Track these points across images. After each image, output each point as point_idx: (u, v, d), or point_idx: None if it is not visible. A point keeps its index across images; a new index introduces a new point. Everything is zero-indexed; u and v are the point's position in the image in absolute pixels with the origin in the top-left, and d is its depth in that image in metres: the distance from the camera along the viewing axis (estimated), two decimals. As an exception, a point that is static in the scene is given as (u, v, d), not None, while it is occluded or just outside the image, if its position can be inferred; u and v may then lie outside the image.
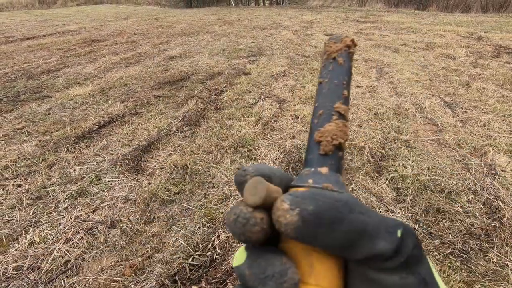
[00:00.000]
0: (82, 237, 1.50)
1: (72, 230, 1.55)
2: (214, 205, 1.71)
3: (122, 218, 1.62)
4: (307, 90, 3.33)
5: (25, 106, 2.98)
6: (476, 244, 1.46)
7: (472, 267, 1.35)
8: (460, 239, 1.49)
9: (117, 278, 1.31)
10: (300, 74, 3.93)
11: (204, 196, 1.78)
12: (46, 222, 1.60)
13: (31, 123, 2.62)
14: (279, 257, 0.18)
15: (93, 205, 1.72)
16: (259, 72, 4.00)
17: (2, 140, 2.34)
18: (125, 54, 5.02)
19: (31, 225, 1.58)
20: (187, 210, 1.69)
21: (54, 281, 1.30)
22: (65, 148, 2.22)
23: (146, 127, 2.57)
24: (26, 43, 5.84)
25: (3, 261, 1.38)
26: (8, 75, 3.89)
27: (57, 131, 2.48)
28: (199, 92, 3.33)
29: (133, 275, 1.32)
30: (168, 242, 1.48)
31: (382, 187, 1.84)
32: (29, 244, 1.47)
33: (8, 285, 1.28)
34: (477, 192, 1.79)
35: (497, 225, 1.56)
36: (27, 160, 2.09)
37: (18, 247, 1.45)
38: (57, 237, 1.51)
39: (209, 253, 1.43)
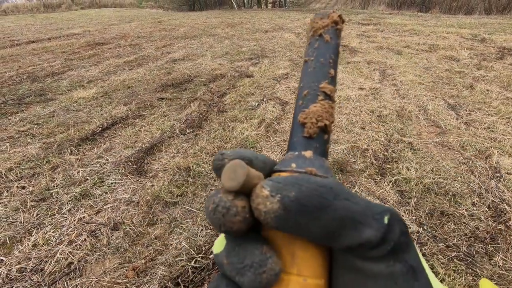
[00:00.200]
0: (85, 239, 1.51)
1: (75, 232, 1.55)
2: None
3: (125, 220, 1.62)
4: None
5: (30, 108, 3.00)
6: (482, 248, 1.45)
7: (478, 271, 1.34)
8: (465, 242, 1.47)
9: (120, 281, 1.31)
10: (302, 76, 3.92)
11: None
12: (49, 224, 1.60)
13: (36, 126, 2.64)
14: (259, 246, 0.17)
15: (96, 207, 1.72)
16: (262, 74, 4.01)
17: (7, 143, 2.36)
18: (129, 57, 5.05)
19: (35, 227, 1.58)
20: (190, 212, 1.69)
21: (57, 283, 1.30)
22: (69, 150, 2.24)
23: (149, 129, 2.58)
24: (31, 46, 5.90)
25: (7, 263, 1.38)
26: (13, 78, 3.93)
27: (61, 133, 2.50)
28: (202, 94, 3.34)
29: (136, 277, 1.32)
30: (171, 245, 1.48)
31: (385, 190, 1.83)
32: (32, 246, 1.47)
33: (12, 287, 1.28)
34: (482, 195, 1.77)
35: (502, 228, 1.54)
36: (31, 162, 2.10)
37: (22, 249, 1.46)
38: (60, 239, 1.51)
39: (212, 255, 1.42)
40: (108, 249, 1.46)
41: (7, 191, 1.83)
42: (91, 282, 1.30)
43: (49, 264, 1.38)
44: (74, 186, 1.87)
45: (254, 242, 0.17)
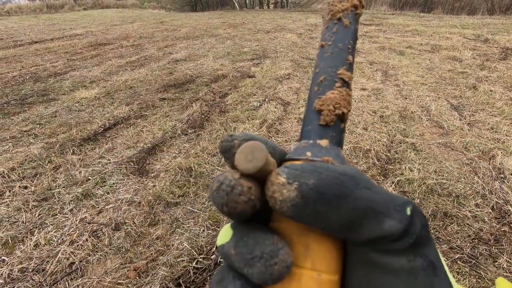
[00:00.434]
0: (86, 239, 1.51)
1: (77, 232, 1.55)
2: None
3: (126, 221, 1.62)
4: (312, 92, 3.31)
5: (32, 108, 3.01)
6: (485, 250, 1.43)
7: (482, 273, 1.32)
8: (468, 244, 1.46)
9: (121, 281, 1.30)
10: (304, 76, 3.92)
11: (209, 199, 1.78)
12: (51, 224, 1.61)
13: (38, 126, 2.64)
14: (270, 236, 0.16)
15: (98, 207, 1.72)
16: (264, 75, 4.01)
17: (10, 142, 2.36)
18: (131, 57, 5.06)
19: (37, 227, 1.58)
20: (191, 212, 1.68)
21: (58, 283, 1.30)
22: (71, 150, 2.24)
23: (151, 129, 2.58)
24: (34, 47, 5.93)
25: (9, 263, 1.39)
26: (16, 78, 3.95)
27: (63, 133, 2.50)
28: (204, 94, 3.34)
29: (137, 278, 1.32)
30: (172, 245, 1.48)
31: (388, 191, 1.82)
32: (34, 246, 1.48)
33: (14, 287, 1.28)
34: (486, 196, 1.75)
35: (506, 230, 1.53)
36: (33, 162, 2.10)
37: (24, 249, 1.46)
38: (62, 239, 1.51)
39: (214, 256, 1.42)
40: (110, 249, 1.46)
41: (10, 191, 1.83)
42: (92, 282, 1.30)
43: (51, 264, 1.38)
44: (76, 186, 1.88)
45: (264, 232, 0.16)
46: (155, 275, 1.33)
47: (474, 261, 1.38)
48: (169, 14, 14.45)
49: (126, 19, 11.20)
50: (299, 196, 0.14)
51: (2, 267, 1.36)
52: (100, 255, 1.43)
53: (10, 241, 1.50)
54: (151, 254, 1.43)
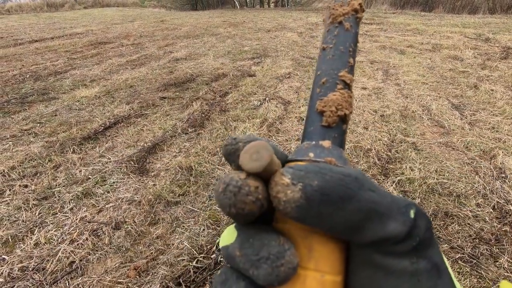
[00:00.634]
0: (87, 238, 1.50)
1: (77, 231, 1.55)
2: (219, 207, 1.70)
3: (126, 220, 1.62)
4: (312, 92, 3.31)
5: (33, 107, 3.01)
6: (486, 249, 1.43)
7: (483, 272, 1.32)
8: (469, 244, 1.46)
9: (122, 280, 1.30)
10: (305, 76, 3.91)
11: (209, 198, 1.77)
12: (51, 223, 1.60)
13: (38, 124, 2.64)
14: (276, 237, 0.15)
15: (98, 206, 1.72)
16: (264, 74, 4.00)
17: (10, 141, 2.36)
18: (131, 56, 5.06)
19: (37, 226, 1.58)
20: (191, 212, 1.68)
21: (59, 282, 1.30)
22: (71, 149, 2.24)
23: (151, 128, 2.58)
24: (34, 46, 5.92)
25: (9, 262, 1.39)
26: (17, 77, 3.95)
27: (63, 132, 2.50)
28: (204, 93, 3.33)
29: (137, 277, 1.32)
30: (173, 244, 1.48)
31: (388, 190, 1.81)
32: (34, 245, 1.48)
33: (14, 286, 1.28)
34: (487, 196, 1.75)
35: (507, 229, 1.52)
36: (33, 161, 2.10)
37: (24, 248, 1.46)
38: (62, 238, 1.51)
39: (214, 255, 1.41)
40: (110, 248, 1.46)
41: (10, 190, 1.83)
42: (92, 282, 1.30)
43: (51, 263, 1.38)
44: (76, 185, 1.87)
45: (269, 233, 0.16)
46: (155, 274, 1.33)
47: (475, 261, 1.37)
48: (169, 13, 14.42)
49: (127, 18, 11.19)
50: (303, 197, 0.14)
51: (2, 266, 1.36)
52: (100, 254, 1.43)
53: (10, 240, 1.50)
54: (151, 253, 1.43)
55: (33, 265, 1.37)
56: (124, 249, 1.45)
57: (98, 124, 2.64)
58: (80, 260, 1.40)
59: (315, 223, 0.15)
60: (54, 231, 1.55)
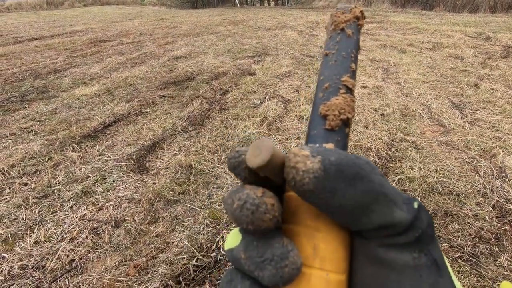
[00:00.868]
0: (86, 237, 1.50)
1: (77, 229, 1.55)
2: (218, 205, 1.70)
3: (126, 218, 1.62)
4: (313, 90, 3.30)
5: (32, 105, 3.00)
6: (486, 248, 1.43)
7: (482, 271, 1.32)
8: (469, 243, 1.46)
9: (121, 278, 1.30)
10: (305, 74, 3.91)
11: (209, 196, 1.77)
12: (51, 221, 1.60)
13: (38, 123, 2.64)
14: (279, 238, 0.16)
15: (98, 205, 1.72)
16: (264, 72, 3.99)
17: (9, 139, 2.36)
18: (131, 54, 5.05)
19: (37, 224, 1.58)
20: (191, 210, 1.68)
21: (58, 280, 1.30)
22: (71, 148, 2.23)
23: (151, 127, 2.58)
24: (34, 44, 5.91)
25: (9, 260, 1.39)
26: (16, 75, 3.94)
27: (63, 130, 2.50)
28: (204, 92, 3.33)
29: (137, 275, 1.32)
30: (172, 243, 1.48)
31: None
32: (34, 243, 1.48)
33: (14, 284, 1.28)
34: (487, 195, 1.75)
35: (507, 228, 1.53)
36: (33, 159, 2.10)
37: (24, 246, 1.46)
38: (62, 236, 1.51)
39: (213, 254, 1.42)
40: (110, 246, 1.46)
41: (10, 188, 1.83)
42: (92, 280, 1.30)
43: (51, 261, 1.38)
44: (76, 183, 1.87)
45: (273, 235, 0.16)
46: (155, 272, 1.33)
47: (475, 259, 1.37)
48: (169, 11, 14.39)
49: (126, 16, 11.16)
50: (321, 168, 0.15)
51: (2, 264, 1.36)
52: (100, 252, 1.43)
53: (10, 238, 1.50)
54: (151, 251, 1.43)
55: (33, 263, 1.37)
56: (124, 247, 1.45)
57: (98, 122, 2.64)
58: (80, 258, 1.40)
59: (327, 198, 0.15)
60: (54, 229, 1.55)
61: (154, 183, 1.87)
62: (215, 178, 1.92)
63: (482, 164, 2.02)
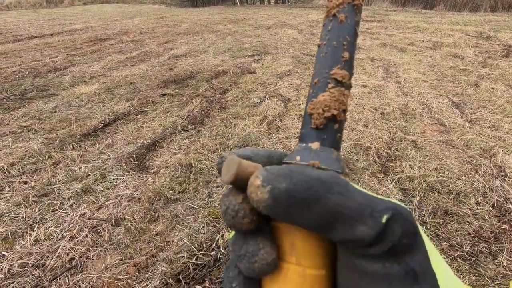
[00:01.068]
0: (86, 235, 1.51)
1: (77, 227, 1.55)
2: (218, 204, 1.70)
3: (126, 216, 1.62)
4: (313, 89, 3.30)
5: (32, 104, 3.00)
6: (485, 247, 1.43)
7: (481, 270, 1.32)
8: (468, 242, 1.46)
9: (121, 277, 1.30)
10: (305, 73, 3.90)
11: (209, 195, 1.78)
12: (51, 220, 1.60)
13: (38, 121, 2.63)
14: (255, 237, 0.18)
15: (98, 203, 1.72)
16: (264, 71, 3.99)
17: (9, 138, 2.36)
18: (131, 52, 5.04)
19: (37, 222, 1.58)
20: (191, 209, 1.68)
21: (58, 278, 1.30)
22: (71, 146, 2.23)
23: (151, 125, 2.58)
24: (34, 42, 5.90)
25: (9, 258, 1.39)
26: (16, 73, 3.93)
27: (63, 129, 2.50)
28: (204, 91, 3.32)
29: (137, 273, 1.32)
30: (172, 241, 1.48)
31: (388, 188, 1.82)
32: (34, 241, 1.48)
33: (13, 282, 1.28)
34: (486, 194, 1.75)
35: (507, 228, 1.53)
36: (33, 158, 2.10)
37: (24, 244, 1.46)
38: (62, 235, 1.51)
39: (213, 252, 1.42)
40: (110, 245, 1.46)
41: (9, 186, 1.83)
42: (92, 278, 1.30)
43: (51, 259, 1.38)
44: (75, 182, 1.87)
45: (254, 233, 0.18)
46: (155, 271, 1.33)
47: (474, 259, 1.38)
48: (169, 10, 14.36)
49: (126, 14, 11.13)
50: (270, 198, 0.15)
51: (2, 262, 1.37)
52: (100, 250, 1.43)
53: (10, 236, 1.50)
54: (151, 250, 1.43)
55: (33, 261, 1.37)
56: (123, 245, 1.45)
57: (97, 121, 2.64)
58: (80, 257, 1.40)
59: (285, 220, 0.16)
60: (54, 227, 1.55)
61: (154, 182, 1.87)
62: (215, 177, 1.92)
63: (481, 164, 2.02)
